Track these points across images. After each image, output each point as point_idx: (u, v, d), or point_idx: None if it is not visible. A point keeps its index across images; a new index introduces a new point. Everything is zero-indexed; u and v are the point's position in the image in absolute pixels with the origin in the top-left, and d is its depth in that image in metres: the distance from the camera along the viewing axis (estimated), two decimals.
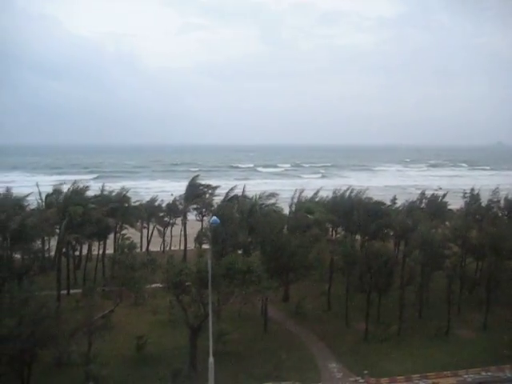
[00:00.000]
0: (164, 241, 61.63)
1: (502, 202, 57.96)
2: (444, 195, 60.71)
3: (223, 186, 61.56)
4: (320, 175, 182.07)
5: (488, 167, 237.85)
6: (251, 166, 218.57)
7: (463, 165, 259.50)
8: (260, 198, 47.19)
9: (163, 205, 61.35)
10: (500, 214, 57.40)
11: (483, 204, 57.81)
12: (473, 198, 58.94)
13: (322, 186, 63.56)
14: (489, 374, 31.64)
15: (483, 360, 33.30)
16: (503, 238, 42.63)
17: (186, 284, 31.91)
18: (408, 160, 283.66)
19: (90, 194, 52.71)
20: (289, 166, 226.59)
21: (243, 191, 53.25)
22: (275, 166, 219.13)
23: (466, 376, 31.31)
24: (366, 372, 31.62)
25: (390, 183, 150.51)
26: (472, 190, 59.02)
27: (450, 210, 58.36)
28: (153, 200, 61.50)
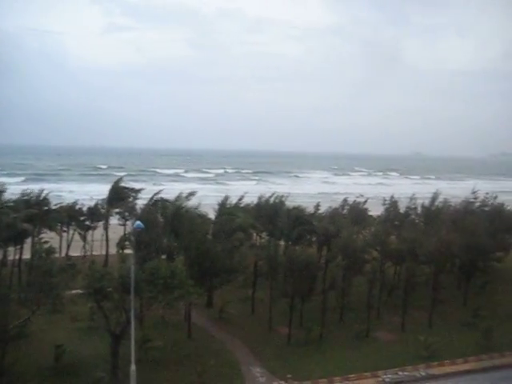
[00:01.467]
0: (85, 245, 59.87)
1: (419, 208, 60.21)
2: (365, 202, 62.61)
3: (148, 189, 60.53)
4: (252, 181, 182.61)
5: (417, 176, 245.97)
6: (181, 170, 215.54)
7: (393, 173, 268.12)
8: (178, 199, 46.71)
9: (84, 208, 59.61)
10: (417, 221, 59.60)
11: (402, 211, 59.80)
12: (392, 205, 60.79)
13: (247, 191, 63.74)
14: (405, 373, 32.78)
15: (401, 360, 34.51)
16: (420, 243, 44.41)
17: (108, 290, 31.03)
18: (335, 167, 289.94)
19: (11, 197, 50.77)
20: (222, 171, 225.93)
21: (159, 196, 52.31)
22: (204, 172, 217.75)
23: (384, 376, 32.27)
24: (289, 376, 31.87)
25: (315, 190, 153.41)
26: (391, 197, 60.95)
27: (371, 216, 60.10)
28: (74, 203, 59.65)
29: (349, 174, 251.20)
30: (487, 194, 65.95)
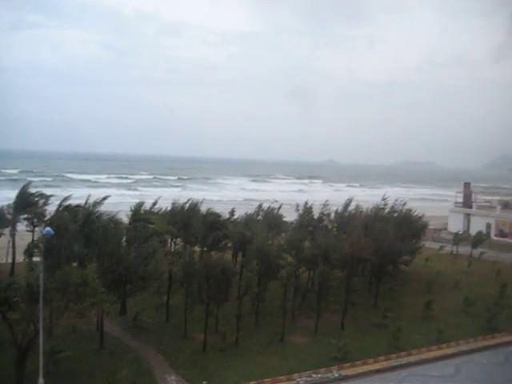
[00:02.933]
0: None
1: (333, 214, 61.69)
2: (279, 208, 63.44)
3: (61, 195, 58.13)
4: (171, 187, 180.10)
5: (340, 183, 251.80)
6: (101, 176, 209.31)
7: (316, 181, 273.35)
8: (91, 204, 45.42)
9: None
10: (330, 226, 61.03)
11: (315, 216, 60.99)
12: (306, 211, 61.84)
13: (164, 196, 62.96)
14: (319, 375, 33.39)
15: (315, 362, 35.11)
16: (333, 248, 45.54)
17: (14, 299, 29.55)
18: (255, 174, 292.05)
19: None
20: (142, 177, 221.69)
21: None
22: (124, 177, 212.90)
23: (299, 379, 32.71)
24: (204, 382, 31.69)
25: (233, 196, 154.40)
26: (305, 203, 62.03)
27: (285, 221, 60.95)
28: None
29: (268, 181, 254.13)
30: (396, 200, 68.43)
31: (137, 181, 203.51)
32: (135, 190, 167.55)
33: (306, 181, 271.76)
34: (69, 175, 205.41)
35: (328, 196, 66.52)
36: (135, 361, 35.10)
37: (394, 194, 71.25)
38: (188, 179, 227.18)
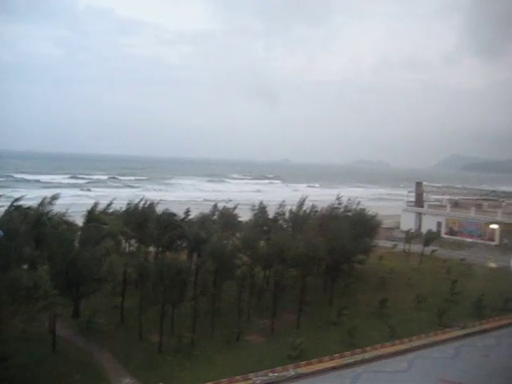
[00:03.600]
0: None
1: (287, 214, 61.97)
2: (235, 207, 63.37)
3: (11, 196, 56.47)
4: (126, 188, 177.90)
5: (301, 183, 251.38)
6: (57, 176, 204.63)
7: (276, 181, 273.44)
8: (42, 205, 44.36)
9: None
10: (285, 226, 61.28)
11: (271, 216, 61.14)
12: (261, 210, 61.91)
13: (116, 197, 62.00)
14: (275, 374, 33.45)
15: (271, 362, 35.17)
16: (288, 247, 45.71)
17: None
18: (213, 173, 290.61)
19: None
20: (98, 177, 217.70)
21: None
22: (80, 178, 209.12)
23: (255, 379, 32.70)
24: None
25: (189, 196, 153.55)
26: (260, 203, 62.12)
27: (241, 221, 60.90)
28: None
29: (225, 181, 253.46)
30: (349, 199, 69.25)
31: (92, 181, 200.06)
32: (89, 190, 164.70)
33: (266, 181, 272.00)
34: (20, 175, 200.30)
35: (288, 196, 66.60)
36: (89, 364, 34.48)
37: (354, 194, 71.85)
38: (146, 180, 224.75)
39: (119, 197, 61.52)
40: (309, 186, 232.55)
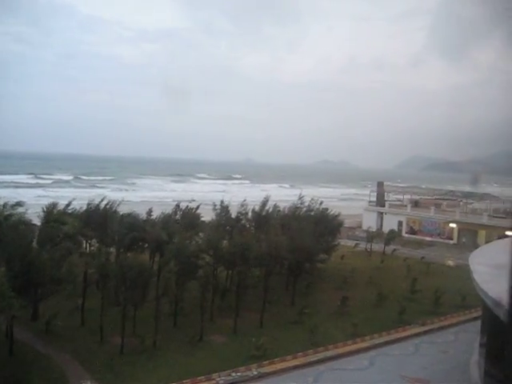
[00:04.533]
0: None
1: (250, 213, 62.01)
2: (197, 207, 63.10)
3: None
4: (94, 187, 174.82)
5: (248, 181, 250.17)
6: (20, 176, 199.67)
7: (245, 181, 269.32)
8: (4, 207, 43.40)
9: None
10: (248, 225, 61.33)
11: (233, 216, 61.07)
12: (223, 210, 61.78)
13: (76, 197, 61.08)
14: (238, 374, 33.40)
15: (234, 362, 35.11)
16: (250, 247, 45.74)
17: None
18: (177, 173, 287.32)
19: None
20: (71, 177, 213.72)
21: None
22: (39, 177, 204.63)
23: (218, 379, 32.58)
24: None
25: (152, 196, 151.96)
26: (222, 202, 61.97)
27: (203, 221, 60.68)
28: None
29: (190, 181, 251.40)
30: (312, 199, 69.76)
31: (56, 181, 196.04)
32: (48, 190, 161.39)
33: (235, 181, 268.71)
34: None
35: (259, 197, 66.49)
36: (48, 368, 33.81)
37: (324, 194, 72.10)
38: (110, 179, 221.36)
39: (83, 197, 60.52)
40: (280, 187, 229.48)
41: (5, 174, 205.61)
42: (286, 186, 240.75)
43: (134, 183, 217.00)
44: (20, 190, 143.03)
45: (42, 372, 32.87)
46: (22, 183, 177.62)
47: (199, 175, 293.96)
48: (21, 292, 33.56)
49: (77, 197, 59.65)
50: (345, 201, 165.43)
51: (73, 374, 33.18)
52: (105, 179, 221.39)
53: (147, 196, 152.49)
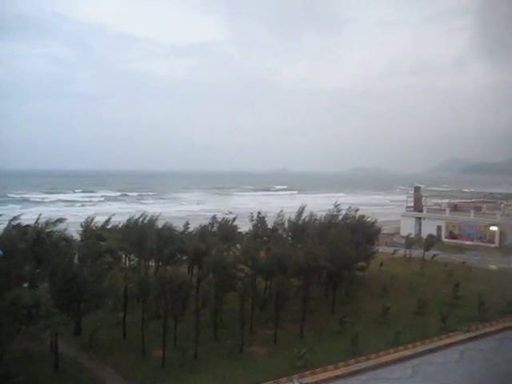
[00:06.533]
0: None
1: (286, 223, 61.95)
2: (234, 219, 63.33)
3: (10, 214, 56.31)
4: (123, 203, 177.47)
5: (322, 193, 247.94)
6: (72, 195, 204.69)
7: (293, 192, 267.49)
8: (47, 224, 44.28)
9: None
10: (285, 235, 61.26)
11: (270, 226, 61.10)
12: (259, 221, 61.88)
13: (114, 213, 62.06)
14: None
15: (275, 372, 34.95)
16: (288, 257, 45.64)
17: None
18: (217, 186, 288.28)
19: None
20: (118, 193, 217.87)
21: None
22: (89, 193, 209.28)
23: None
24: None
25: (187, 209, 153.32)
26: (258, 213, 62.07)
27: (240, 232, 60.84)
28: None
29: (231, 193, 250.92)
30: (349, 207, 69.41)
31: (107, 198, 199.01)
32: (96, 205, 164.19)
33: (286, 192, 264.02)
34: (20, 193, 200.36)
35: (325, 205, 66.43)
36: (92, 381, 34.26)
37: (377, 201, 71.38)
38: (153, 194, 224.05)
39: (126, 212, 61.31)
40: (327, 196, 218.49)
41: (58, 192, 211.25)
42: (341, 194, 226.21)
43: (177, 197, 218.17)
44: (82, 208, 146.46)
45: None
46: (78, 201, 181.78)
47: (244, 187, 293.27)
48: (64, 308, 34.21)
49: (129, 212, 60.07)
50: (381, 207, 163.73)
51: None
52: (147, 194, 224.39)
53: (193, 209, 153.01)
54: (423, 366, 37.21)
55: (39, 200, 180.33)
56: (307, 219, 63.48)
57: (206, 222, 61.80)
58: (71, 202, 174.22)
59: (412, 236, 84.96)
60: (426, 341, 41.71)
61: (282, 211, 63.71)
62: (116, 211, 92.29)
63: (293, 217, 63.17)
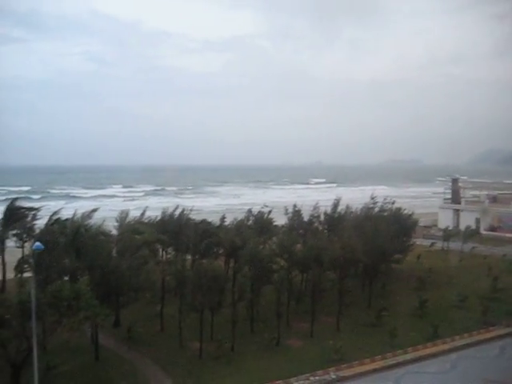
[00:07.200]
0: None
1: (322, 216, 61.70)
2: (269, 212, 63.38)
3: (49, 208, 57.70)
4: (160, 197, 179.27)
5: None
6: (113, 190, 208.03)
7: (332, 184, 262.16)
8: (83, 217, 45.11)
9: None
10: (321, 228, 61.06)
11: (305, 219, 60.97)
12: (295, 214, 61.81)
13: (148, 205, 62.72)
14: (316, 378, 33.32)
15: (312, 365, 35.00)
16: (324, 250, 45.48)
17: (6, 317, 29.28)
18: (259, 180, 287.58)
19: None
20: (159, 188, 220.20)
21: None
22: (131, 188, 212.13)
23: (296, 383, 32.63)
24: None
25: (225, 202, 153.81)
26: (294, 206, 61.98)
27: (276, 225, 60.88)
28: None
29: (270, 187, 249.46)
30: (385, 199, 68.76)
31: (147, 193, 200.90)
32: (135, 200, 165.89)
33: (328, 185, 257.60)
34: (59, 188, 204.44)
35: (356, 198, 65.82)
36: (131, 372, 34.91)
37: (422, 194, 70.17)
38: (192, 188, 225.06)
39: (164, 206, 61.76)
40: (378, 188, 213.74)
41: (103, 188, 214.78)
42: (384, 187, 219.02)
43: (215, 191, 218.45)
44: (127, 202, 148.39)
45: (126, 376, 33.96)
46: (118, 196, 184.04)
47: (282, 180, 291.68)
48: (103, 300, 34.78)
49: (168, 207, 60.41)
50: (423, 199, 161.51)
51: (155, 379, 34.08)
52: (187, 188, 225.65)
53: (231, 203, 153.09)
54: (462, 360, 36.74)
55: (81, 195, 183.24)
56: (343, 212, 63.17)
57: (242, 215, 61.98)
58: (111, 197, 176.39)
59: (450, 228, 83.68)
60: (465, 335, 41.14)
61: (317, 204, 63.48)
62: (156, 205, 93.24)
63: (329, 210, 62.99)
